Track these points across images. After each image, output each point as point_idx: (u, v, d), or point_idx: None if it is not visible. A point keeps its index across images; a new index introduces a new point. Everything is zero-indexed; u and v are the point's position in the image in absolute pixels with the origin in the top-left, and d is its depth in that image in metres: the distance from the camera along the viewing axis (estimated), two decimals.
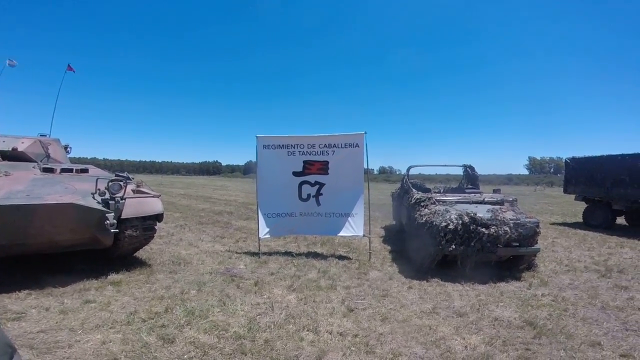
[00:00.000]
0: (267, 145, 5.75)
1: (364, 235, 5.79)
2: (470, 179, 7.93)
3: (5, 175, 3.96)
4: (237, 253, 5.82)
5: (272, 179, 5.75)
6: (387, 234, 8.02)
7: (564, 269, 5.23)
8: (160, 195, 4.73)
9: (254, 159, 5.86)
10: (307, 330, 3.04)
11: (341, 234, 5.78)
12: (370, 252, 5.70)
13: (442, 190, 7.52)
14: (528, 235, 4.59)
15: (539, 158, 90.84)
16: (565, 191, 11.20)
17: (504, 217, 4.62)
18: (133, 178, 4.85)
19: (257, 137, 5.73)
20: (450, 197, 5.79)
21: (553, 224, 10.28)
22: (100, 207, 3.89)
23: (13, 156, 5.00)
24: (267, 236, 5.84)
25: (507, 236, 4.47)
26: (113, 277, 4.22)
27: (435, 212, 4.95)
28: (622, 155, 9.02)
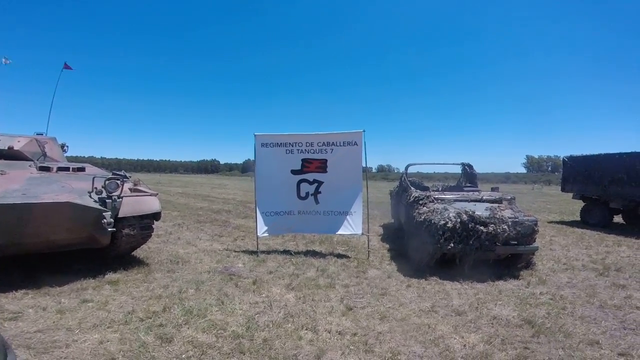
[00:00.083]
0: (266, 143, 5.72)
1: (362, 234, 5.78)
2: (468, 177, 7.94)
3: (1, 174, 3.92)
4: (235, 252, 5.80)
5: (270, 177, 5.73)
6: (385, 232, 8.02)
7: (562, 268, 5.24)
8: (157, 194, 4.70)
9: (252, 158, 5.84)
10: (306, 329, 3.03)
11: (340, 232, 5.77)
12: (368, 251, 5.70)
13: (440, 189, 7.52)
14: (526, 234, 4.60)
15: (536, 156, 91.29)
16: (563, 189, 11.23)
17: (502, 216, 4.62)
18: (130, 176, 4.81)
19: (255, 135, 5.71)
20: (448, 196, 5.78)
21: (551, 222, 10.31)
22: (97, 205, 3.87)
23: (9, 155, 4.95)
24: (266, 235, 5.83)
25: (506, 234, 4.47)
26: (110, 276, 4.19)
27: (433, 211, 4.94)
28: (620, 154, 9.05)
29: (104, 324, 2.98)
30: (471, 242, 4.44)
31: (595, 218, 9.62)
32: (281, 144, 5.71)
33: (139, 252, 5.30)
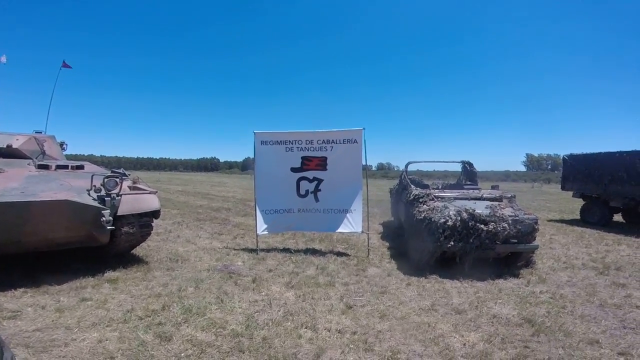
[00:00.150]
0: (265, 141, 5.70)
1: (362, 232, 5.77)
2: (468, 176, 7.93)
3: (0, 172, 3.90)
4: (235, 250, 5.80)
5: (270, 175, 5.72)
6: (385, 230, 8.01)
7: (562, 266, 5.24)
8: (156, 192, 4.68)
9: (252, 156, 5.82)
10: (306, 328, 3.02)
11: (339, 230, 5.75)
12: (368, 249, 5.69)
13: (440, 187, 7.51)
14: (526, 232, 4.59)
15: (536, 155, 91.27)
16: (563, 188, 11.22)
17: (502, 214, 4.61)
18: (129, 174, 4.80)
19: (254, 133, 5.69)
20: (448, 194, 5.77)
21: (550, 220, 10.31)
22: (96, 203, 3.85)
23: (7, 153, 4.93)
24: (265, 233, 5.82)
25: (506, 233, 4.46)
26: (110, 274, 4.19)
27: (433, 209, 4.93)
28: (620, 153, 9.03)
29: (103, 323, 2.97)
30: (471, 241, 4.43)
31: (595, 217, 9.62)
32: (281, 141, 5.69)
33: (138, 251, 5.29)
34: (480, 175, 8.15)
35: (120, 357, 2.50)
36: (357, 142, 5.56)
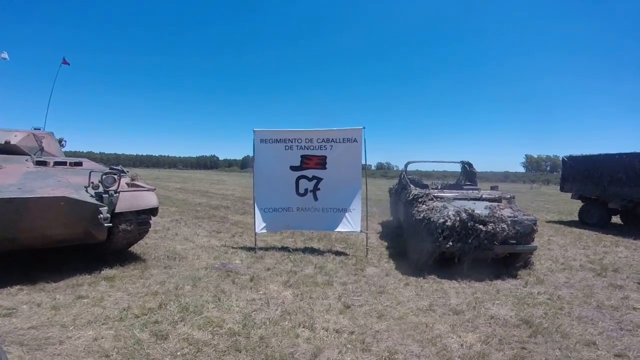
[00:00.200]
0: (265, 139, 5.68)
1: (361, 231, 5.76)
2: (468, 176, 7.92)
3: None
4: (233, 248, 5.78)
5: (269, 174, 5.70)
6: (384, 230, 8.00)
7: (560, 267, 5.24)
8: (155, 189, 4.67)
9: (251, 154, 5.80)
10: (303, 327, 3.01)
11: (338, 229, 5.74)
12: (367, 248, 5.68)
13: (439, 187, 7.50)
14: (525, 233, 4.59)
15: (535, 156, 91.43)
16: (561, 189, 11.23)
17: (501, 215, 4.60)
18: (127, 171, 4.78)
19: (254, 131, 5.67)
20: (448, 194, 5.76)
21: (549, 222, 10.31)
22: (93, 200, 3.83)
23: (5, 149, 4.89)
24: (264, 231, 5.80)
25: (505, 233, 4.46)
26: (107, 272, 4.17)
27: (432, 209, 4.92)
28: (620, 154, 9.04)
29: (99, 321, 2.96)
30: (470, 241, 4.42)
31: (593, 218, 9.63)
32: (280, 140, 5.67)
33: (135, 248, 5.27)
34: (480, 175, 8.14)
35: (115, 355, 2.48)
36: (357, 141, 5.54)
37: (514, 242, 4.58)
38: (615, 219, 9.93)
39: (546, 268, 5.15)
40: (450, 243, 4.42)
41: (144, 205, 4.35)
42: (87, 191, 3.89)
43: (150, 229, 4.79)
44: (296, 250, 5.69)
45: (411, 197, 5.81)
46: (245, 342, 2.73)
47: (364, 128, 5.53)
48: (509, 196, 5.68)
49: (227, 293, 3.72)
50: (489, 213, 4.60)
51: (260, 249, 5.67)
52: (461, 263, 4.56)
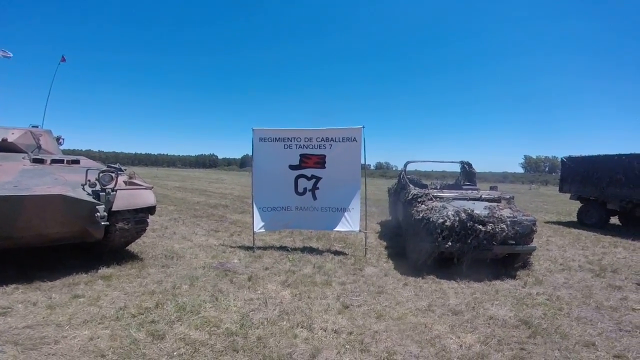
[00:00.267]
0: (264, 138, 5.66)
1: (360, 231, 5.74)
2: (467, 176, 7.91)
3: None
4: (231, 247, 5.76)
5: (268, 172, 5.67)
6: (383, 229, 7.99)
7: (559, 268, 5.23)
8: (152, 187, 4.63)
9: (250, 153, 5.78)
10: (301, 327, 2.99)
11: (337, 229, 5.72)
12: (366, 248, 5.66)
13: (439, 187, 7.49)
14: (525, 234, 4.57)
15: (534, 157, 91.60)
16: (560, 190, 11.24)
17: (501, 215, 4.58)
18: (125, 169, 4.74)
19: (253, 129, 5.64)
20: (447, 194, 5.75)
21: (548, 222, 10.32)
22: (90, 198, 3.80)
23: (2, 147, 4.85)
24: (262, 230, 5.78)
25: (504, 234, 4.44)
26: (103, 271, 4.13)
27: (432, 209, 4.90)
28: (619, 155, 9.04)
29: (95, 320, 2.93)
30: (469, 241, 4.40)
31: (592, 219, 9.64)
32: (279, 138, 5.65)
33: (133, 247, 5.24)
34: (478, 176, 8.14)
35: (111, 355, 2.45)
36: (356, 140, 5.52)
37: (513, 242, 4.57)
38: (614, 220, 9.94)
39: (545, 268, 5.15)
40: (450, 243, 4.41)
41: (142, 203, 4.31)
42: (84, 189, 3.85)
43: (147, 228, 4.76)
44: (295, 249, 5.67)
45: (410, 197, 5.79)
46: (242, 342, 2.70)
47: (363, 127, 5.51)
48: (508, 196, 5.67)
49: (225, 292, 3.69)
50: (488, 213, 4.58)
51: (259, 248, 5.65)
52: (460, 263, 4.54)
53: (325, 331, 2.94)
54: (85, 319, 2.94)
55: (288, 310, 3.31)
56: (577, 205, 10.51)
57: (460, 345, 2.80)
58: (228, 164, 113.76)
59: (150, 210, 4.50)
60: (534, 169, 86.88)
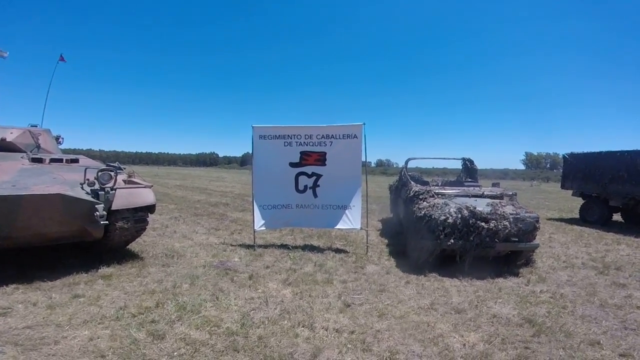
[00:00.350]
0: (264, 135, 5.61)
1: (361, 228, 5.71)
2: (469, 173, 7.86)
3: None
4: (232, 245, 5.73)
5: (268, 170, 5.64)
6: (384, 227, 7.96)
7: (562, 265, 5.19)
8: (152, 186, 4.60)
9: (251, 151, 5.74)
10: (302, 327, 2.97)
11: (338, 226, 5.69)
12: (367, 246, 5.63)
13: (440, 184, 7.44)
14: (527, 231, 4.53)
15: (535, 153, 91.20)
16: (562, 186, 11.18)
17: (503, 212, 4.54)
18: (124, 168, 4.71)
19: (253, 127, 5.60)
20: (449, 191, 5.70)
21: (550, 219, 10.27)
22: (89, 197, 3.77)
23: (1, 146, 4.82)
24: (263, 228, 5.75)
25: (507, 231, 4.40)
26: (103, 270, 4.11)
27: (434, 206, 4.86)
28: (621, 152, 8.98)
29: (95, 320, 2.91)
30: (472, 239, 4.36)
31: (594, 216, 9.59)
32: (280, 136, 5.61)
33: (133, 246, 5.22)
34: (480, 172, 8.09)
35: (111, 355, 2.43)
36: (357, 137, 5.47)
37: (516, 239, 4.52)
38: (616, 217, 9.89)
39: (548, 266, 5.11)
40: (452, 241, 4.37)
41: (141, 202, 4.28)
42: (82, 188, 3.82)
43: (148, 227, 4.73)
44: (295, 247, 5.64)
45: (412, 194, 5.75)
46: (243, 341, 2.68)
47: (364, 124, 5.46)
48: (510, 193, 5.62)
49: (226, 291, 3.67)
50: (491, 210, 4.54)
51: (260, 246, 5.62)
52: (462, 261, 4.50)
53: (326, 330, 2.91)
54: (85, 319, 2.92)
55: (289, 309, 3.28)
56: (579, 202, 10.46)
57: (464, 344, 2.77)
58: (229, 162, 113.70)
59: (150, 209, 4.47)
60: (535, 165, 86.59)
